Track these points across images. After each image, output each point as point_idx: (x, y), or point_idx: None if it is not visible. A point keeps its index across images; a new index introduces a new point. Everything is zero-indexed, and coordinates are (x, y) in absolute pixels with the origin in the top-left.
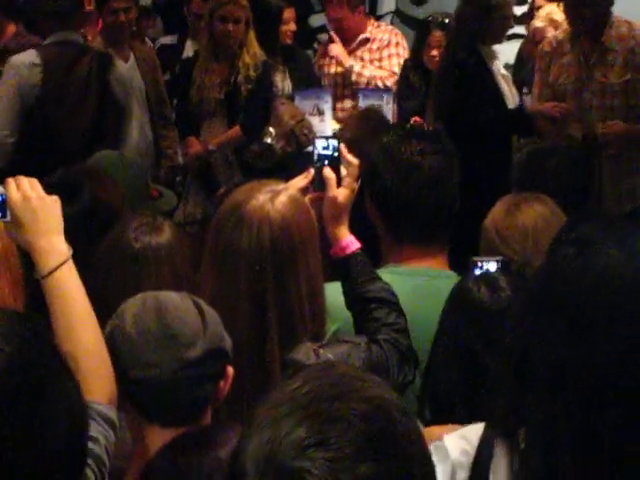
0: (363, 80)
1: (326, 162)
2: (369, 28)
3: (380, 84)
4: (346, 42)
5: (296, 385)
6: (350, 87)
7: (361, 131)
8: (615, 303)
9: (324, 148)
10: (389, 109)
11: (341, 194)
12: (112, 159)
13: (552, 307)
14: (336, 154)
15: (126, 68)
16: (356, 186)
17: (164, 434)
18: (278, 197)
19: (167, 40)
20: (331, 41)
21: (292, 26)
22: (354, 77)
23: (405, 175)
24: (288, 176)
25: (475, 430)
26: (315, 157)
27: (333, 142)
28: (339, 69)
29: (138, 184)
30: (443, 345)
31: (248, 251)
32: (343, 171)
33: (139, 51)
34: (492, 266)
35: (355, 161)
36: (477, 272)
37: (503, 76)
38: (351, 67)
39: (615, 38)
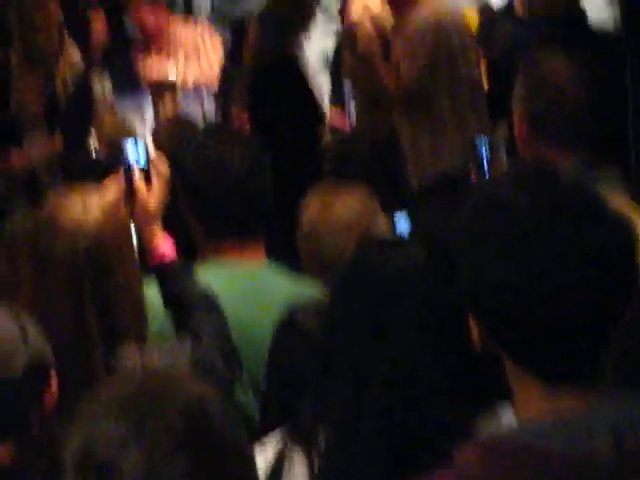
0: (187, 83)
1: (135, 166)
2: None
3: (202, 86)
4: (158, 46)
5: (118, 384)
6: (171, 89)
7: (174, 133)
8: (407, 304)
9: (134, 152)
10: (210, 109)
11: (151, 199)
12: None
13: (353, 308)
14: (145, 158)
15: None
16: (166, 189)
17: None
18: (91, 203)
19: None
20: (141, 50)
21: (99, 25)
22: (177, 80)
23: (212, 174)
24: None
25: (273, 437)
26: (125, 161)
27: (142, 146)
28: (160, 72)
29: None
30: (275, 374)
31: (64, 261)
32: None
33: None
34: None
35: (164, 165)
36: None
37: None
38: (172, 70)
39: None
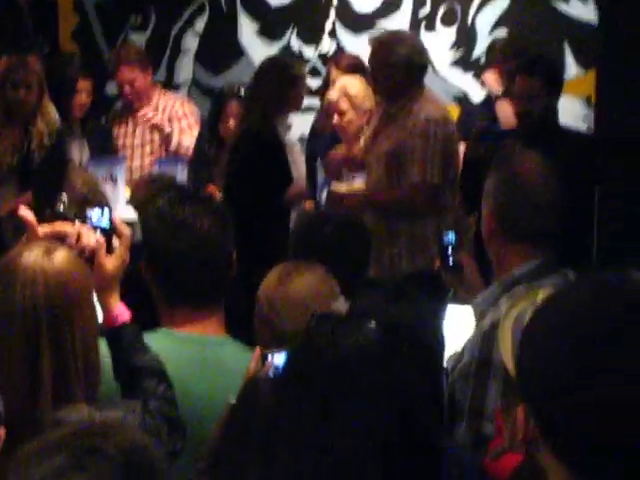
0: (182, 150)
1: (99, 232)
2: (157, 96)
3: (179, 154)
4: (138, 109)
5: (61, 429)
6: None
7: (146, 195)
8: (351, 384)
9: (99, 218)
10: (184, 176)
11: (110, 263)
12: None
13: (299, 386)
14: (109, 222)
15: None
16: (127, 255)
17: None
18: (53, 252)
19: None
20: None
21: (84, 98)
22: (173, 147)
23: (175, 234)
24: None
25: None
26: (89, 227)
27: (107, 212)
28: (137, 140)
29: None
30: (234, 436)
31: (22, 308)
32: (116, 241)
33: None
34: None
35: (127, 230)
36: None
37: (292, 146)
38: (170, 134)
39: None
